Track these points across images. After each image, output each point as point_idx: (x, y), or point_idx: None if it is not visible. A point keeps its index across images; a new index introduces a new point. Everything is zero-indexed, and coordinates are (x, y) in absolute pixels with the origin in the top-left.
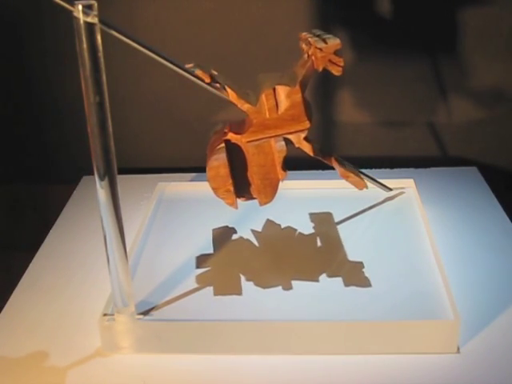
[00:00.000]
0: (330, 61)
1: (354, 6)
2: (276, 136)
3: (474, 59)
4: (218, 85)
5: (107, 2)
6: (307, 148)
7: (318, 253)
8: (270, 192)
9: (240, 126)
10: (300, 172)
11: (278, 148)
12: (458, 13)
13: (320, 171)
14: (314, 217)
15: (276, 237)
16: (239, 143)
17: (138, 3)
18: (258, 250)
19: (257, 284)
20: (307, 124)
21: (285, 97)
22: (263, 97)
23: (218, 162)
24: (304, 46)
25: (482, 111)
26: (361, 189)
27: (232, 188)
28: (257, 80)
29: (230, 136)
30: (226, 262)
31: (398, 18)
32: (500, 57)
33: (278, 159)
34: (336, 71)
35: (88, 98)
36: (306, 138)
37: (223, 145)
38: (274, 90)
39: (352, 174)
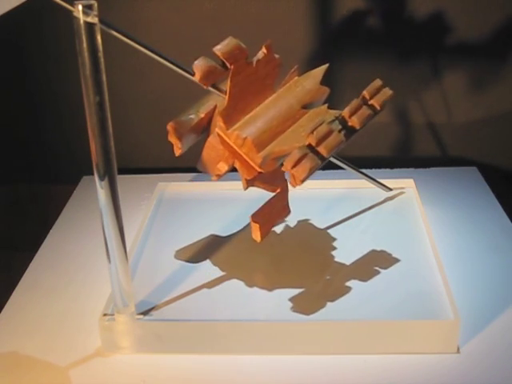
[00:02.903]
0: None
1: (353, 5)
2: (233, 155)
3: (474, 59)
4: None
5: (107, 2)
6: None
7: (317, 253)
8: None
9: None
10: None
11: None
12: (458, 13)
13: (320, 171)
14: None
15: (277, 237)
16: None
17: (138, 3)
18: (258, 251)
19: (256, 284)
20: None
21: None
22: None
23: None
24: None
25: (482, 111)
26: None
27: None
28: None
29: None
30: (226, 262)
31: (398, 17)
32: (500, 57)
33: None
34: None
35: (88, 98)
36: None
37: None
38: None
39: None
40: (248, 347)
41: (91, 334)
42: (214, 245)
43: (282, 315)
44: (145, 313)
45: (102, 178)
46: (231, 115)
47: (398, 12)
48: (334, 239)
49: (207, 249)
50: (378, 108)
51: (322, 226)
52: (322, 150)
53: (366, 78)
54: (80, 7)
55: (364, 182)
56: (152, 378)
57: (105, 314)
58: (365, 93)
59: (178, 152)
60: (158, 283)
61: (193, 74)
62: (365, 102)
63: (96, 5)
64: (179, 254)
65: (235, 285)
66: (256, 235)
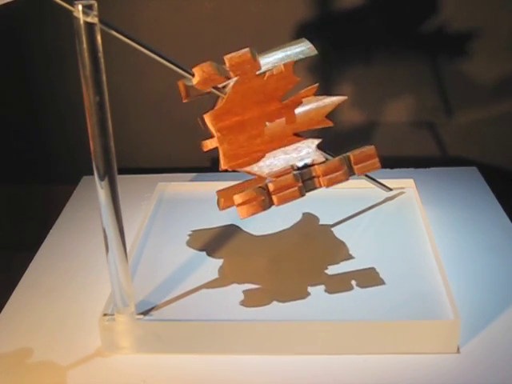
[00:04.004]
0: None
1: (354, 5)
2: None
3: (474, 59)
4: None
5: (107, 2)
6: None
7: (318, 253)
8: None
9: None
10: None
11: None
12: (458, 13)
13: None
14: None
15: (276, 237)
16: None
17: (138, 3)
18: (258, 250)
19: (256, 284)
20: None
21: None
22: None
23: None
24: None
25: (482, 111)
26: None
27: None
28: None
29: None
30: (225, 261)
31: (398, 17)
32: (500, 57)
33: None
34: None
35: (88, 98)
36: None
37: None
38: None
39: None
40: (248, 347)
41: (91, 334)
42: (214, 245)
43: (281, 315)
44: (145, 313)
45: (101, 178)
46: (224, 115)
47: (397, 12)
48: (334, 239)
49: (207, 249)
50: (356, 174)
51: (322, 225)
52: (274, 199)
53: (366, 78)
54: (80, 7)
55: (364, 182)
56: (152, 378)
57: (105, 314)
58: (351, 156)
59: (184, 101)
60: (157, 283)
61: (193, 75)
62: (347, 163)
63: (96, 5)
64: (179, 254)
65: (235, 285)
66: (219, 206)
